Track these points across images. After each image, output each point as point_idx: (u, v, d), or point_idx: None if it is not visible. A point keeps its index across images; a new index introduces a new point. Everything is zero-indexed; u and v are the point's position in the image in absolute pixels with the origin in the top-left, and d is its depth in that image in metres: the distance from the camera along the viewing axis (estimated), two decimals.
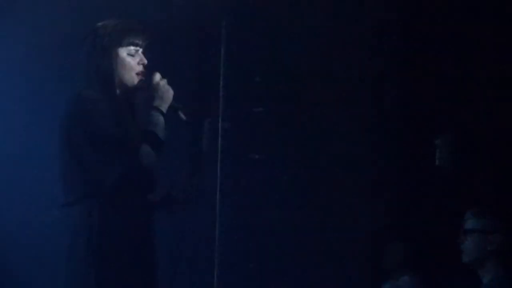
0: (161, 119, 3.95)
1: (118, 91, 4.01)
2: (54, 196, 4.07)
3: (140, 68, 4.03)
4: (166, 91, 4.02)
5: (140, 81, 4.05)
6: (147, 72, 4.07)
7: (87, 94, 3.92)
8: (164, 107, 3.99)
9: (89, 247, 3.78)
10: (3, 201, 6.11)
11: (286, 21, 6.66)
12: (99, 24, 4.10)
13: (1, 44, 6.19)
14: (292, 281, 6.47)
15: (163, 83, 4.03)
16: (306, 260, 6.52)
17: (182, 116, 4.11)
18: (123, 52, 4.01)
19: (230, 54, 6.69)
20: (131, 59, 4.02)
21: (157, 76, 4.02)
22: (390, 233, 6.28)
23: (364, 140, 6.64)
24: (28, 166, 5.90)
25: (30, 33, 6.19)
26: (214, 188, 6.43)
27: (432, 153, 6.38)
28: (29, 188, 5.94)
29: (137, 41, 4.06)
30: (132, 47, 4.03)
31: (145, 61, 4.06)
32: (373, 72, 6.66)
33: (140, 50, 4.08)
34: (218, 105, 6.61)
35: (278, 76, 6.71)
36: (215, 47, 6.69)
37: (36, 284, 5.72)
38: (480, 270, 4.68)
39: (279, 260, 6.57)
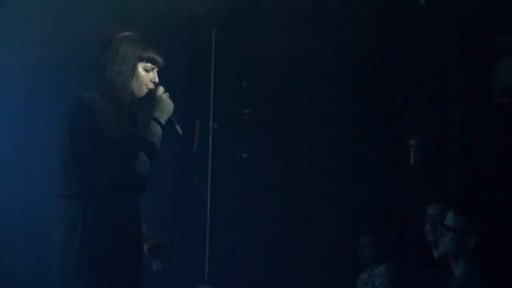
0: (158, 129, 3.90)
1: (125, 99, 3.88)
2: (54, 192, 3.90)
3: (151, 85, 3.93)
4: (167, 105, 3.96)
5: (148, 92, 4.00)
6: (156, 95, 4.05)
7: (90, 98, 3.79)
8: (163, 119, 3.93)
9: (83, 240, 3.64)
10: (9, 194, 5.97)
11: (272, 31, 6.58)
12: (123, 34, 4.00)
13: (17, 51, 6.03)
14: (277, 269, 6.40)
15: (165, 96, 3.97)
16: (289, 248, 6.48)
17: (178, 129, 4.03)
18: (141, 66, 3.91)
19: (219, 61, 6.64)
20: (146, 74, 3.92)
21: (161, 90, 3.96)
22: (366, 228, 6.19)
23: (343, 139, 6.56)
24: (33, 163, 5.68)
25: (43, 41, 5.98)
26: (206, 183, 6.38)
27: (405, 153, 6.29)
28: (32, 183, 5.72)
29: (155, 60, 3.96)
30: (149, 64, 3.94)
31: (157, 80, 3.97)
32: (351, 79, 6.60)
33: (156, 69, 3.99)
34: (209, 108, 6.53)
35: (263, 81, 6.69)
36: (206, 55, 6.62)
37: (37, 274, 5.47)
38: (453, 263, 4.48)
39: (265, 249, 6.51)
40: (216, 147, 6.51)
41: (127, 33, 4.00)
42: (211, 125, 6.48)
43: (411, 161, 6.30)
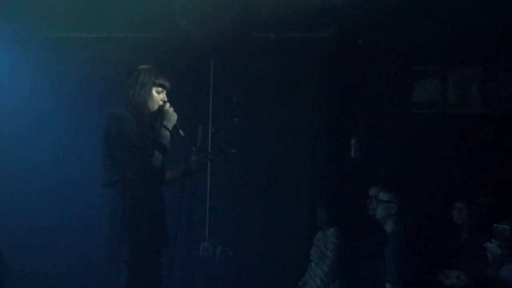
0: (167, 133, 4.05)
1: (144, 113, 4.06)
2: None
3: (161, 102, 4.12)
4: (172, 116, 4.11)
5: (158, 107, 4.12)
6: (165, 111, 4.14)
7: (119, 113, 3.97)
8: (170, 126, 4.08)
9: (123, 215, 3.88)
10: (64, 179, 6.16)
11: (256, 60, 6.69)
12: (142, 66, 4.15)
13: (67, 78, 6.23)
14: (260, 234, 6.61)
15: (171, 110, 4.12)
16: (268, 215, 6.63)
17: (181, 133, 4.15)
18: (154, 89, 4.08)
19: (216, 82, 6.86)
20: (157, 95, 4.09)
21: (167, 105, 4.12)
22: (322, 201, 6.29)
23: (306, 139, 6.75)
24: (80, 158, 5.86)
25: (82, 70, 6.26)
26: (206, 173, 6.53)
27: (348, 148, 6.57)
28: (80, 171, 5.90)
29: (164, 85, 4.13)
30: (160, 88, 4.10)
31: (166, 99, 4.13)
32: (312, 98, 6.80)
33: (165, 91, 4.15)
34: (208, 116, 6.77)
35: (248, 97, 6.79)
36: (206, 78, 6.84)
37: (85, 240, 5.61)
38: (385, 224, 4.93)
39: (252, 219, 6.68)
40: (214, 145, 6.74)
41: (145, 66, 4.15)
42: (210, 129, 6.71)
43: (352, 154, 6.50)
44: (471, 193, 5.17)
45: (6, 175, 6.35)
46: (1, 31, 6.22)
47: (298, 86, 6.76)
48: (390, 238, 4.88)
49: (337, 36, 6.70)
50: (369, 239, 5.63)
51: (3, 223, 6.07)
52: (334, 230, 5.89)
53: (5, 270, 5.46)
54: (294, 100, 6.76)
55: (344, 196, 6.32)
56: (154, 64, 4.22)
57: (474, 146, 6.15)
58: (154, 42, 6.33)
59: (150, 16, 6.01)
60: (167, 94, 4.19)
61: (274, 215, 6.63)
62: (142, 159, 3.95)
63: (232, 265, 6.59)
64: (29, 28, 6.38)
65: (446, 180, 5.83)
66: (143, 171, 3.95)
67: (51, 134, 6.15)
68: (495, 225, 4.67)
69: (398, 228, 4.84)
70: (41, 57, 6.28)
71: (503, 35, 6.07)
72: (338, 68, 6.74)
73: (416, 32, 6.26)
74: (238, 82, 6.83)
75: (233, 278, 6.49)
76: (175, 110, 4.16)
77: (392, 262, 4.65)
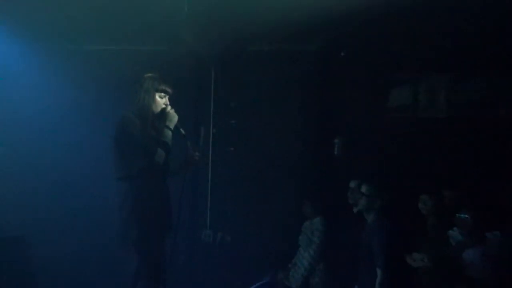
0: (169, 133, 4.10)
1: (148, 115, 4.11)
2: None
3: (163, 106, 4.17)
4: (173, 116, 4.16)
5: (161, 110, 4.16)
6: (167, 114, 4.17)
7: (127, 116, 4.03)
8: (171, 126, 4.13)
9: (134, 204, 3.96)
10: (82, 173, 6.14)
11: (252, 70, 6.71)
12: (147, 74, 4.19)
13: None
14: (255, 222, 6.61)
15: (172, 111, 4.17)
16: (264, 208, 6.63)
17: (182, 131, 4.20)
18: (157, 95, 4.14)
19: (216, 89, 6.85)
20: (160, 100, 4.15)
21: (169, 107, 4.17)
22: (309, 193, 6.30)
23: (295, 139, 6.75)
24: (95, 156, 5.70)
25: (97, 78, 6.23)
26: (207, 167, 6.64)
27: (331, 146, 6.61)
28: (95, 167, 5.81)
29: (166, 90, 4.19)
30: (162, 94, 4.16)
31: (168, 103, 4.19)
32: (299, 101, 6.83)
33: (167, 96, 4.20)
34: (210, 119, 6.77)
35: (243, 103, 6.83)
36: (208, 86, 6.84)
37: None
38: (366, 214, 4.87)
39: (249, 209, 6.68)
40: (214, 144, 6.76)
41: (150, 74, 4.19)
42: (211, 130, 6.70)
43: (335, 152, 6.54)
44: (436, 186, 5.16)
45: (33, 169, 6.34)
46: (33, 43, 6.21)
47: (288, 92, 6.77)
48: (371, 227, 4.83)
49: (322, 49, 6.74)
50: (350, 228, 5.54)
51: (28, 211, 6.09)
52: (320, 219, 5.89)
53: (30, 256, 5.43)
54: (284, 104, 6.77)
55: (328, 189, 6.30)
56: (162, 73, 4.25)
57: (440, 146, 6.16)
58: (163, 54, 6.32)
59: (160, 31, 6.06)
60: (169, 99, 4.23)
61: (267, 205, 6.63)
62: (147, 156, 3.97)
63: (231, 249, 6.58)
64: (53, 41, 6.40)
65: (414, 175, 5.81)
66: (148, 166, 3.96)
67: (71, 134, 6.17)
68: (457, 215, 4.69)
69: (378, 219, 4.79)
70: (63, 66, 6.27)
71: (465, 50, 6.10)
72: (323, 77, 6.77)
73: (390, 46, 6.28)
74: (234, 89, 6.86)
75: (232, 261, 6.46)
76: (177, 112, 4.19)
77: (378, 249, 4.59)
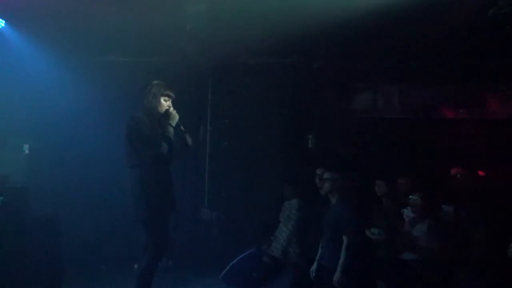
0: (171, 129, 4.00)
1: (155, 115, 4.02)
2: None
3: (167, 107, 4.06)
4: (175, 116, 4.05)
5: (165, 111, 4.06)
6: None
7: (136, 116, 3.94)
8: (174, 124, 4.03)
9: (143, 188, 3.87)
10: (104, 161, 5.93)
11: (242, 79, 6.71)
12: (154, 81, 4.08)
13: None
14: (245, 203, 6.59)
15: (174, 112, 4.06)
16: (252, 191, 6.60)
17: (182, 128, 4.09)
18: (162, 98, 4.04)
19: (214, 94, 6.88)
20: (165, 103, 4.04)
21: (171, 108, 4.06)
22: (288, 178, 6.12)
23: (277, 134, 6.74)
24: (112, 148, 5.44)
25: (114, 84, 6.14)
26: (205, 159, 6.67)
27: (306, 140, 6.66)
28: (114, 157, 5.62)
29: (170, 95, 4.08)
30: (167, 98, 4.06)
31: (171, 105, 4.07)
32: (280, 104, 6.81)
33: (171, 100, 4.09)
34: (207, 119, 6.80)
35: (236, 105, 6.81)
36: (205, 92, 6.87)
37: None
38: (330, 196, 4.72)
39: (240, 192, 6.68)
40: (211, 139, 6.79)
41: (156, 81, 4.09)
42: (208, 128, 6.75)
43: (309, 146, 6.60)
44: (390, 174, 5.12)
45: (63, 160, 6.37)
46: (66, 56, 6.20)
47: (271, 97, 6.75)
48: (334, 206, 4.72)
49: (299, 61, 6.70)
50: (320, 207, 5.42)
51: (59, 194, 6.05)
52: (297, 200, 5.79)
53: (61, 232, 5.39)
54: (268, 107, 6.75)
55: (303, 176, 6.14)
56: (166, 80, 4.17)
57: (396, 141, 6.19)
58: (168, 65, 6.22)
59: (166, 45, 6.05)
60: (172, 102, 4.14)
61: (254, 189, 6.61)
62: (153, 148, 3.90)
63: (225, 225, 6.58)
64: (81, 53, 6.37)
65: (373, 164, 5.81)
66: (154, 157, 3.90)
67: (94, 132, 6.11)
68: (410, 196, 4.67)
69: (340, 200, 4.66)
70: (89, 76, 6.22)
71: (414, 63, 6.19)
72: (300, 85, 6.73)
73: (354, 60, 6.29)
74: (228, 93, 6.85)
75: (225, 235, 6.46)
76: (178, 112, 4.10)
77: (344, 222, 4.48)
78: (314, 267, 4.63)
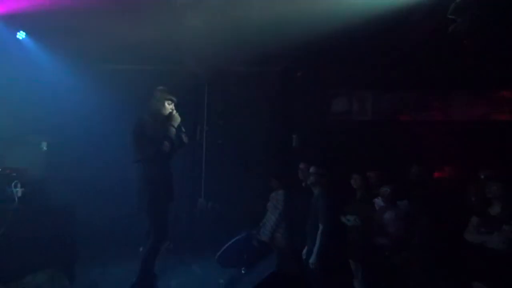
0: (173, 130, 4.00)
1: (159, 117, 4.01)
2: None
3: (170, 110, 4.06)
4: (177, 118, 4.06)
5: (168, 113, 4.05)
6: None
7: (143, 117, 3.94)
8: (175, 125, 4.02)
9: (147, 179, 3.86)
10: (112, 157, 5.86)
11: (233, 85, 6.68)
12: (158, 87, 4.09)
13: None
14: (238, 194, 6.51)
15: (176, 114, 4.06)
16: (244, 183, 6.53)
17: (183, 129, 4.10)
18: (165, 102, 4.04)
19: (209, 98, 6.85)
20: (168, 106, 4.04)
21: (174, 111, 4.06)
22: (275, 172, 6.06)
23: (265, 134, 6.70)
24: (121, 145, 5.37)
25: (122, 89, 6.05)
26: (201, 155, 6.62)
27: (290, 139, 6.59)
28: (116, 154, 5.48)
29: (172, 99, 4.07)
30: (169, 101, 4.05)
31: (174, 108, 4.06)
32: (268, 108, 6.75)
33: (173, 104, 4.08)
34: (204, 119, 6.75)
35: (227, 111, 6.78)
36: (202, 96, 6.82)
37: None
38: (314, 189, 4.70)
39: (233, 184, 6.57)
40: (207, 138, 6.74)
41: (160, 87, 4.08)
42: (204, 128, 6.70)
43: (293, 144, 6.54)
44: (364, 169, 5.11)
45: (76, 158, 6.31)
46: (78, 64, 6.14)
47: (260, 101, 6.74)
48: (317, 197, 4.68)
49: (284, 70, 6.68)
50: (303, 197, 5.44)
51: (73, 187, 5.85)
52: (283, 191, 5.78)
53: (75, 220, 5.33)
54: (257, 109, 6.73)
55: (288, 170, 6.09)
56: (169, 86, 4.16)
57: (368, 140, 6.18)
58: (171, 73, 6.15)
59: (169, 56, 6.01)
60: (174, 105, 4.12)
61: (245, 181, 6.57)
62: (156, 145, 3.87)
63: (219, 214, 6.53)
64: (91, 61, 6.32)
65: (349, 160, 5.77)
66: (157, 153, 3.88)
67: (104, 131, 6.05)
68: (380, 187, 4.66)
69: (322, 192, 4.64)
70: (99, 81, 6.16)
71: (384, 72, 6.20)
72: (285, 91, 6.69)
73: (334, 68, 6.32)
74: (222, 99, 6.83)
75: (219, 222, 6.40)
76: (180, 115, 4.09)
77: (321, 211, 4.46)
78: (305, 250, 4.59)
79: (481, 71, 5.78)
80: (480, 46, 4.81)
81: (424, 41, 5.29)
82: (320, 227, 4.31)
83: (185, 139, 4.10)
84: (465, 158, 5.89)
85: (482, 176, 4.25)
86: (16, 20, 5.27)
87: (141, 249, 4.03)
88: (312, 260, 4.19)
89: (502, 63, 5.33)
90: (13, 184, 4.59)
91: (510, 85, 6.38)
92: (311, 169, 4.82)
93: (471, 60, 5.01)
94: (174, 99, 4.09)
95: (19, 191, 4.57)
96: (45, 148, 6.35)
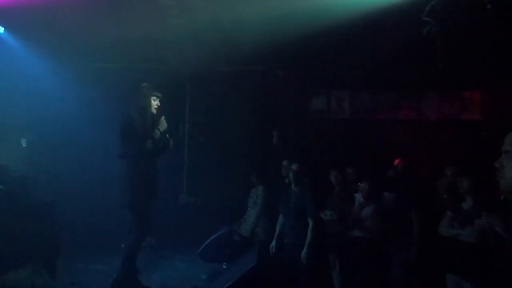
0: (158, 133, 3.98)
1: (146, 112, 3.98)
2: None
3: (156, 106, 4.02)
4: (164, 124, 4.03)
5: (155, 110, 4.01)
6: (159, 112, 4.06)
7: (131, 112, 3.91)
8: (161, 130, 4.01)
9: (134, 174, 3.83)
10: (98, 152, 5.82)
11: (216, 84, 6.66)
12: (144, 84, 4.07)
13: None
14: (219, 189, 6.47)
15: (164, 121, 4.04)
16: (225, 180, 6.50)
17: (167, 136, 4.07)
18: (151, 98, 4.01)
19: (192, 96, 6.80)
20: (153, 102, 4.01)
21: (163, 119, 4.05)
22: (256, 168, 5.93)
23: (247, 132, 6.65)
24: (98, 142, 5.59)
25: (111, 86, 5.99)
26: (183, 152, 6.60)
27: (271, 136, 6.62)
28: (99, 150, 5.68)
29: (157, 95, 4.03)
30: (155, 97, 4.02)
31: (159, 104, 4.03)
32: (249, 106, 6.76)
33: (158, 99, 4.04)
34: (185, 119, 6.72)
35: (210, 106, 6.74)
36: (184, 94, 6.77)
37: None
38: (294, 184, 4.52)
39: (214, 180, 6.55)
40: (189, 134, 6.72)
41: (146, 83, 4.06)
42: (186, 125, 6.69)
43: (274, 141, 6.58)
44: (342, 165, 5.11)
45: (60, 153, 6.21)
46: (60, 60, 5.98)
47: (241, 99, 6.70)
48: (296, 194, 4.59)
49: (266, 69, 6.67)
50: (283, 193, 5.45)
51: (56, 182, 5.85)
52: (262, 187, 5.63)
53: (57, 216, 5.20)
54: (239, 107, 6.70)
55: (268, 166, 6.17)
56: (154, 83, 4.13)
57: (346, 137, 6.22)
58: (156, 70, 6.08)
59: (153, 55, 5.99)
60: (160, 101, 4.08)
61: (226, 177, 6.53)
62: (141, 142, 3.83)
63: (201, 209, 6.49)
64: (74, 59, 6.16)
65: (328, 157, 5.78)
66: (140, 150, 3.83)
67: (89, 127, 5.96)
68: (359, 183, 4.65)
69: (301, 188, 4.55)
70: (82, 78, 6.06)
71: (365, 70, 6.25)
72: (267, 90, 6.69)
73: (313, 69, 6.36)
74: (204, 96, 6.77)
75: (201, 217, 6.34)
76: (165, 118, 4.04)
77: (309, 208, 4.38)
78: (273, 243, 4.59)
79: (452, 73, 5.85)
80: (453, 48, 4.86)
81: (399, 43, 5.34)
82: (310, 222, 4.28)
83: (170, 143, 4.06)
84: (436, 156, 5.98)
85: (449, 173, 4.29)
86: None
87: (122, 245, 3.98)
88: (304, 254, 4.17)
89: (474, 64, 5.43)
90: None
91: (480, 86, 6.51)
92: (293, 166, 4.76)
93: (443, 62, 5.08)
94: (159, 95, 4.05)
95: None
96: (24, 144, 6.21)
